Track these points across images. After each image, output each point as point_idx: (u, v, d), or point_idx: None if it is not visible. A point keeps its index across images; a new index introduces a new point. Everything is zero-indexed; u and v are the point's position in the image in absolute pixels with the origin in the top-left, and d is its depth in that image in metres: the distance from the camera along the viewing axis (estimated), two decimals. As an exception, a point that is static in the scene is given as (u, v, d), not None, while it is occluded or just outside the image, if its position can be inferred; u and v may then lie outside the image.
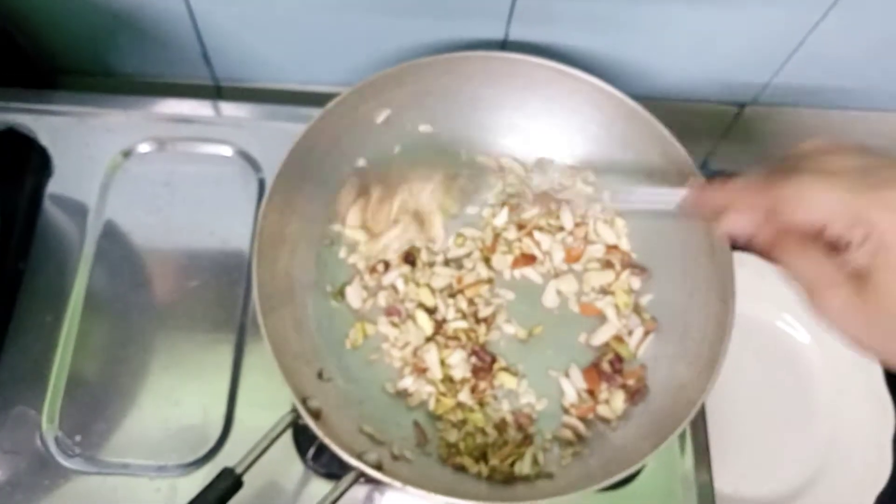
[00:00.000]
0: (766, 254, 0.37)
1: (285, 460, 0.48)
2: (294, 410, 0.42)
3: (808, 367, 0.64)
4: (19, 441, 0.47)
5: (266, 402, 0.49)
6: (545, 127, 0.55)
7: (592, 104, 0.52)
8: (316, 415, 0.43)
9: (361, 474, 0.41)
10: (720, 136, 0.68)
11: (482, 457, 0.47)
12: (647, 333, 0.51)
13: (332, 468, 0.48)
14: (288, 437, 0.48)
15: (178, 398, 0.49)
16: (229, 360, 0.50)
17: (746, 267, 0.64)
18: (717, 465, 0.50)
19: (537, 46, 0.57)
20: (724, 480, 0.57)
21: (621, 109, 0.51)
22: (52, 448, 0.47)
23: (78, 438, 0.48)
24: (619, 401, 0.49)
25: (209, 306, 0.52)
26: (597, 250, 0.54)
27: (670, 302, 0.52)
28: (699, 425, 0.51)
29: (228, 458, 0.47)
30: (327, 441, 0.41)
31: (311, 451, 0.48)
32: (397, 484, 0.41)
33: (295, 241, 0.50)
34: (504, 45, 0.58)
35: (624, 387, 0.50)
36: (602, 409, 0.49)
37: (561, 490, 0.44)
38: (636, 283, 0.53)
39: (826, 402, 0.62)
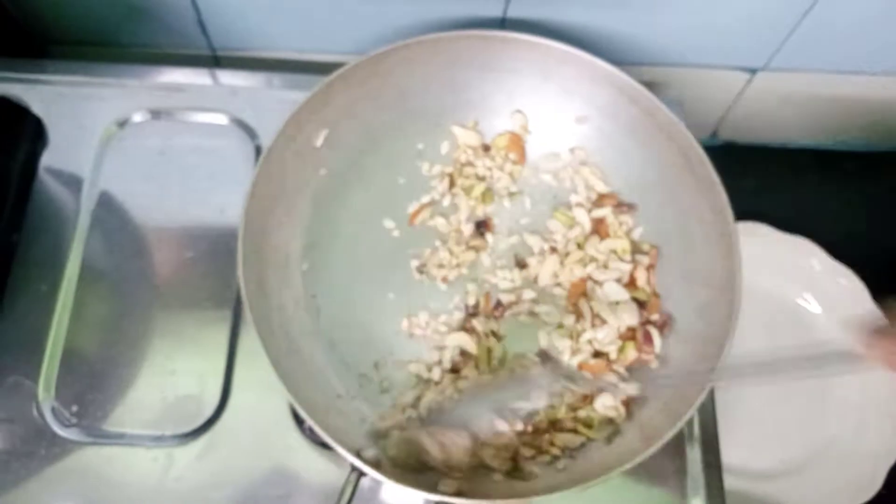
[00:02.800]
0: None
1: (282, 431, 0.47)
2: (355, 469, 0.41)
3: (820, 337, 0.63)
4: (15, 410, 0.47)
5: (263, 372, 0.48)
6: (543, 110, 0.54)
7: (587, 83, 0.51)
8: (376, 464, 0.41)
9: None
10: (731, 103, 0.66)
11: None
12: (651, 266, 0.50)
13: (329, 439, 0.47)
14: (285, 407, 0.48)
15: (175, 368, 0.49)
16: (226, 330, 0.50)
17: (756, 237, 0.63)
18: (724, 437, 0.49)
19: (537, 23, 0.56)
20: (732, 453, 0.56)
21: (616, 87, 0.50)
22: (49, 417, 0.47)
23: (74, 408, 0.47)
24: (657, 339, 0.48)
25: (206, 276, 0.51)
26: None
27: (662, 227, 0.51)
28: (707, 397, 0.50)
29: (226, 427, 0.47)
30: (398, 485, 0.40)
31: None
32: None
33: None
34: (503, 22, 0.56)
35: (649, 322, 0.49)
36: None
37: (641, 446, 0.42)
38: (628, 220, 0.52)
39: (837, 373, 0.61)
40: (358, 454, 0.40)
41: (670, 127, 0.48)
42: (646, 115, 0.49)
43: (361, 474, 0.41)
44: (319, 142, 0.50)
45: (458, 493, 0.41)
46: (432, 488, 0.41)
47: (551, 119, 0.54)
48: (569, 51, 0.49)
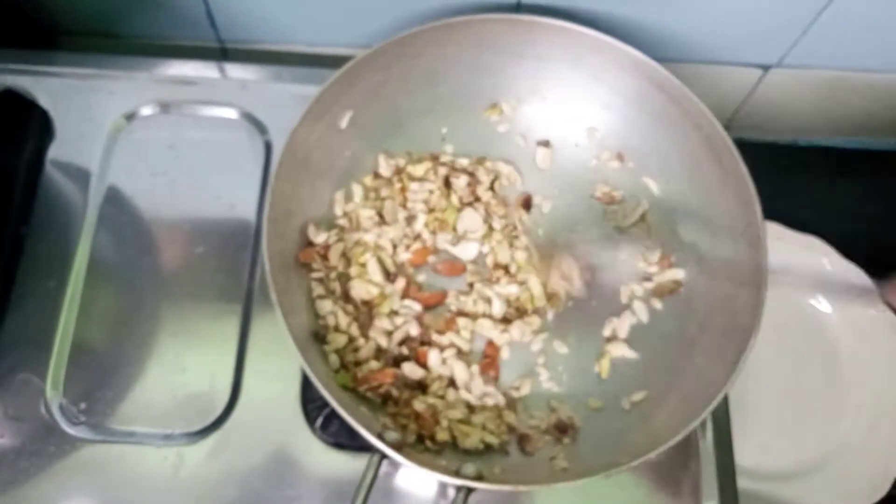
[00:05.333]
0: None
1: (293, 429, 0.47)
2: (377, 452, 0.41)
3: (831, 338, 0.62)
4: (23, 408, 0.46)
5: (274, 369, 0.48)
6: (569, 98, 0.54)
7: (615, 70, 0.51)
8: (398, 447, 0.41)
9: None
10: (743, 99, 0.66)
11: None
12: None
13: (340, 438, 0.47)
14: (296, 406, 0.47)
15: (185, 365, 0.48)
16: (236, 326, 0.49)
17: (767, 237, 0.63)
18: (736, 438, 0.49)
19: (554, 10, 0.55)
20: (744, 454, 0.56)
21: (645, 75, 0.49)
22: (57, 415, 0.46)
23: (83, 406, 0.47)
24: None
25: (215, 272, 0.51)
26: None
27: (686, 217, 0.51)
28: (720, 399, 0.49)
29: (236, 426, 0.47)
30: (420, 469, 0.40)
31: (320, 421, 0.47)
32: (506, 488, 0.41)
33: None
34: (518, 7, 0.55)
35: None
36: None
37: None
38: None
39: (849, 373, 0.61)
40: (380, 436, 0.40)
41: (699, 117, 0.48)
42: (672, 103, 0.49)
43: (383, 457, 0.40)
44: (344, 124, 0.50)
45: (479, 478, 0.41)
46: (454, 472, 0.41)
47: (577, 105, 0.54)
48: (600, 38, 0.49)
